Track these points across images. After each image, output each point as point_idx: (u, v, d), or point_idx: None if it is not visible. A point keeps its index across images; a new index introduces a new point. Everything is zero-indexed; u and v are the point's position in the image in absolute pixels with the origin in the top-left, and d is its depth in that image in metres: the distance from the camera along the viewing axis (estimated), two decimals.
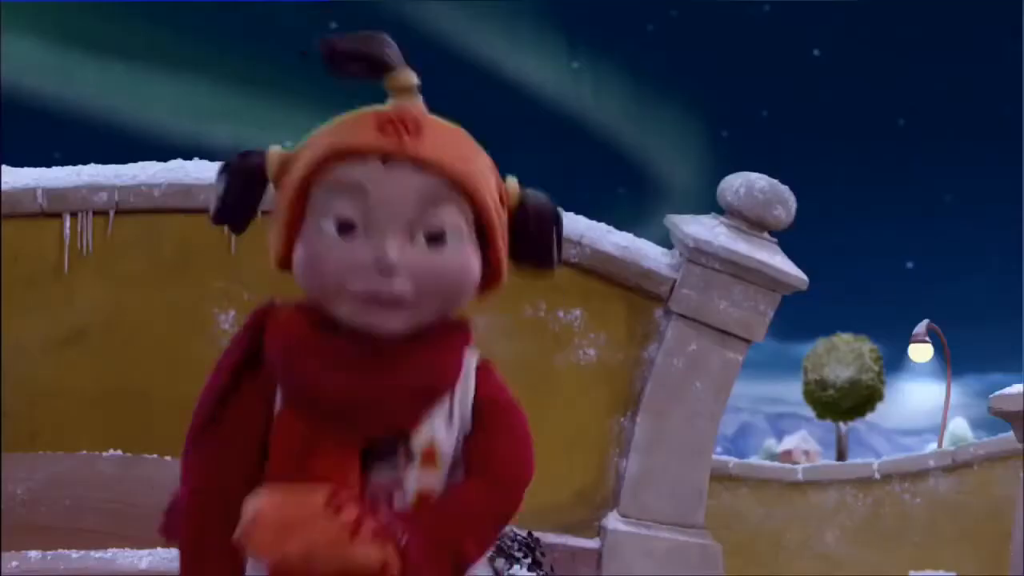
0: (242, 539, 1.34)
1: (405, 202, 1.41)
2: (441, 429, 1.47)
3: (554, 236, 1.56)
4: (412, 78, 1.49)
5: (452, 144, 1.47)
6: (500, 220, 1.51)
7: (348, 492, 1.38)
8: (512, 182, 1.56)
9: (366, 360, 1.43)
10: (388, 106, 1.48)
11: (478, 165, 1.49)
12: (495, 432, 1.51)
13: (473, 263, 1.47)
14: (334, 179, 1.42)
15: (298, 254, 1.45)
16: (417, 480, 1.45)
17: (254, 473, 1.46)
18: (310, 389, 1.43)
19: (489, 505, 1.48)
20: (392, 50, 1.49)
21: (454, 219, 1.44)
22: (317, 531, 1.33)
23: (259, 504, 1.35)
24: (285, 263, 1.50)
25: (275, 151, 1.51)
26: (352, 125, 1.46)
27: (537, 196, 1.58)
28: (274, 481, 1.44)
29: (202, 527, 1.49)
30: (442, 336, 1.48)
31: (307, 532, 1.33)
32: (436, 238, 1.43)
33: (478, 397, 1.51)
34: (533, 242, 1.55)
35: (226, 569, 1.47)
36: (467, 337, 1.53)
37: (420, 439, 1.46)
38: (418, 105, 1.49)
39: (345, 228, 1.41)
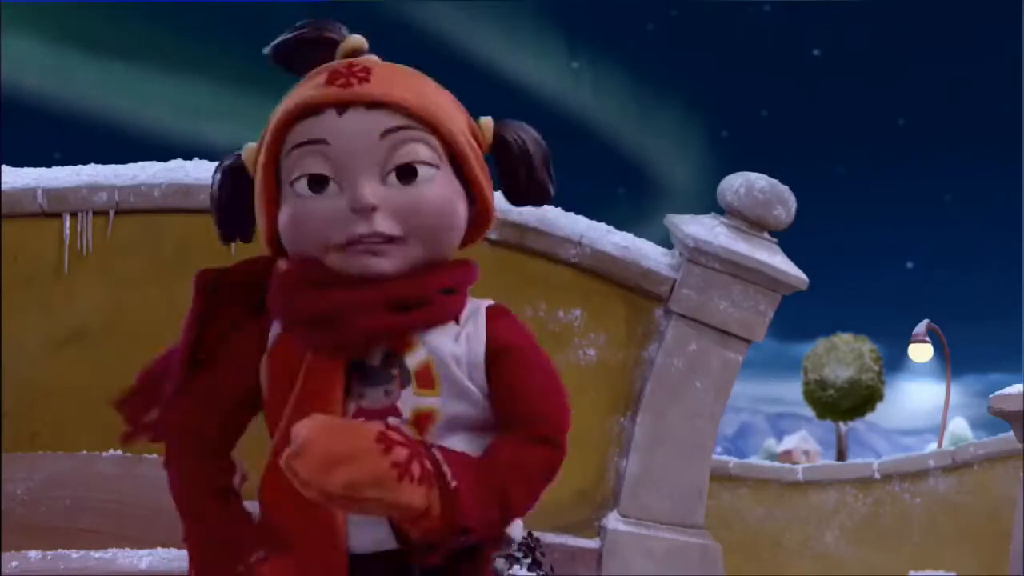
0: (286, 466, 1.31)
1: (367, 144, 1.41)
2: (439, 352, 1.45)
3: (541, 162, 1.54)
4: (359, 41, 1.50)
5: (404, 82, 1.47)
6: (474, 152, 1.49)
7: (399, 431, 1.36)
8: (486, 120, 1.54)
9: (352, 280, 1.42)
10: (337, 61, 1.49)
11: (435, 98, 1.48)
12: (524, 385, 1.48)
13: (451, 193, 1.45)
14: (296, 139, 1.43)
15: (281, 223, 1.45)
16: (413, 402, 1.43)
17: (236, 417, 1.52)
18: (295, 305, 1.44)
19: (535, 458, 1.46)
20: (335, 27, 1.50)
21: (421, 152, 1.42)
22: (365, 467, 1.30)
23: (308, 433, 1.31)
24: (275, 244, 1.50)
25: (250, 145, 1.52)
26: (304, 85, 1.47)
27: (515, 125, 1.55)
28: (271, 404, 1.46)
29: (190, 472, 1.52)
30: (433, 264, 1.47)
31: (354, 467, 1.29)
32: (407, 173, 1.42)
33: (493, 343, 1.48)
34: (522, 174, 1.53)
35: (222, 507, 1.49)
36: (466, 270, 1.51)
37: (413, 359, 1.44)
38: (368, 57, 1.50)
39: (318, 184, 1.41)
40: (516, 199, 1.56)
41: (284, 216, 1.44)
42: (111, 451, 4.51)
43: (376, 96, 1.42)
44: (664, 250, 5.37)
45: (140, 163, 5.06)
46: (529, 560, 4.44)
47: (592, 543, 5.06)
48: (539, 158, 1.54)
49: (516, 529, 1.52)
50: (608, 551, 5.04)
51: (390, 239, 1.41)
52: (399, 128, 1.42)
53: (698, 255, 5.15)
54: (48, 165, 5.05)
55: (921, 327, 16.16)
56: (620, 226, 5.34)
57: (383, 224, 1.40)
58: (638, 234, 5.39)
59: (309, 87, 1.45)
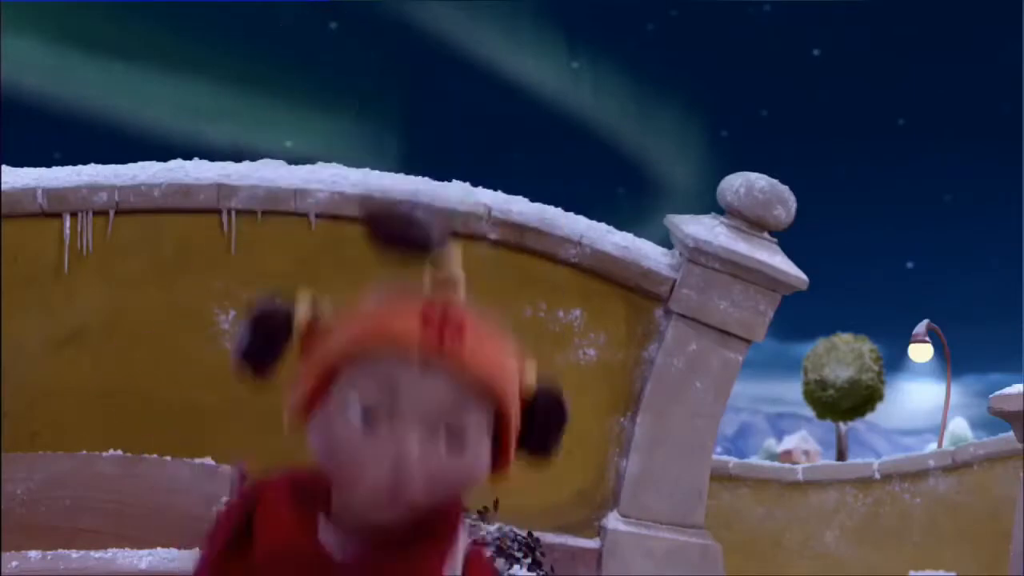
0: None
1: (436, 404, 1.40)
2: None
3: (557, 434, 1.54)
4: (456, 266, 1.47)
5: (489, 348, 1.45)
6: (516, 421, 1.49)
7: None
8: (531, 375, 1.53)
9: (354, 572, 1.41)
10: (431, 298, 1.45)
11: (510, 370, 1.48)
12: None
13: (486, 463, 1.45)
14: (369, 367, 1.40)
15: (317, 429, 1.43)
16: None
17: None
18: None
19: None
20: (436, 230, 1.45)
21: (478, 420, 1.42)
22: None
23: None
24: (300, 423, 1.49)
25: (304, 310, 1.48)
26: (394, 314, 1.43)
27: (550, 391, 1.55)
28: None
29: None
30: (433, 536, 1.46)
31: None
32: (456, 439, 1.41)
33: None
34: (536, 435, 1.53)
35: None
36: (456, 534, 1.51)
37: None
38: (460, 297, 1.47)
39: (368, 415, 1.39)
40: (518, 446, 1.57)
41: (323, 430, 1.42)
42: (111, 451, 4.51)
43: (464, 365, 1.40)
44: (664, 250, 5.37)
45: (140, 163, 5.06)
46: (529, 560, 4.44)
47: (592, 543, 5.06)
48: (560, 431, 1.56)
49: None
50: (608, 551, 5.04)
51: (417, 500, 1.41)
52: (471, 396, 1.41)
53: (698, 255, 5.15)
54: (48, 165, 5.05)
55: (921, 327, 16.16)
56: (620, 226, 5.35)
57: (417, 486, 1.39)
58: (638, 234, 5.39)
59: (398, 319, 1.41)
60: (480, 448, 1.43)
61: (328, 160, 5.37)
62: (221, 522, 1.49)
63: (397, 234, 1.44)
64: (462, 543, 1.52)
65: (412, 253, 1.45)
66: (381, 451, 1.39)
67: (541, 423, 1.53)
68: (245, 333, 1.48)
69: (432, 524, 1.46)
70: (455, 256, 1.46)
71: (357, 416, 1.39)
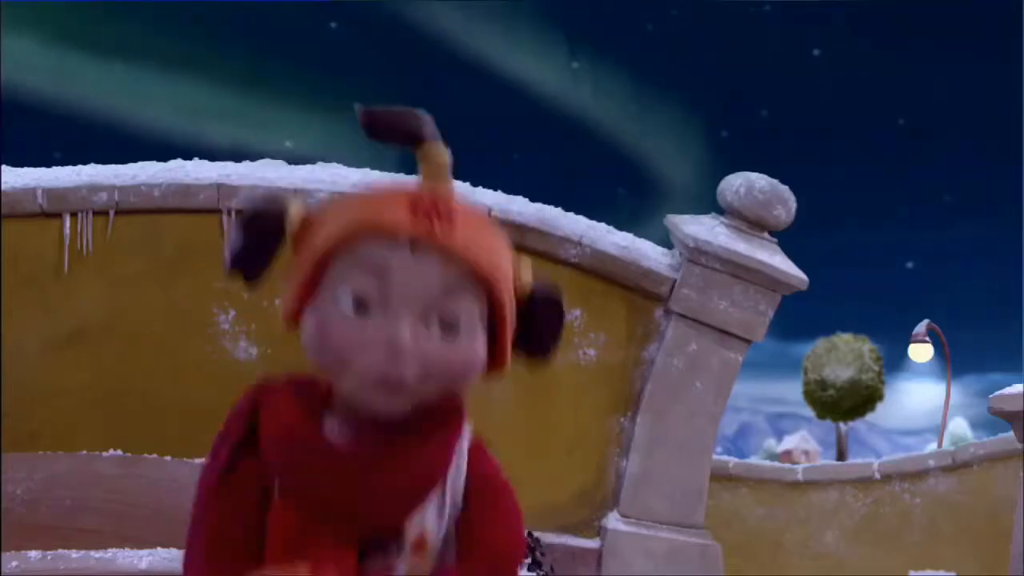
0: None
1: (427, 289, 1.39)
2: (431, 518, 1.47)
3: (556, 334, 1.55)
4: (445, 156, 1.47)
5: (480, 235, 1.45)
6: (511, 313, 1.49)
7: None
8: (527, 273, 1.54)
9: (361, 459, 1.42)
10: (421, 186, 1.46)
11: (502, 258, 1.48)
12: (487, 512, 1.50)
13: (482, 354, 1.45)
14: (359, 255, 1.40)
15: (310, 322, 1.43)
16: (407, 567, 1.45)
17: (253, 553, 1.47)
18: (305, 490, 1.43)
19: None
20: (426, 124, 1.47)
21: (471, 308, 1.42)
22: None
23: None
24: (294, 323, 1.48)
25: (297, 209, 1.47)
26: (383, 202, 1.43)
27: (547, 289, 1.55)
28: (270, 557, 1.45)
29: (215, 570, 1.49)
30: (438, 425, 1.46)
31: None
32: (450, 326, 1.41)
33: (470, 476, 1.50)
34: (534, 334, 1.54)
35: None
36: (461, 424, 1.51)
37: (411, 530, 1.46)
38: (449, 186, 1.47)
39: (361, 304, 1.39)
40: (515, 346, 1.57)
41: (317, 321, 1.42)
42: (111, 451, 4.51)
43: (453, 246, 1.40)
44: (664, 250, 5.37)
45: (140, 163, 5.06)
46: (529, 560, 4.44)
47: (592, 543, 5.06)
48: (557, 332, 1.56)
49: None
50: (608, 551, 5.05)
51: (412, 384, 1.41)
52: (462, 282, 1.41)
53: (698, 255, 5.15)
54: (48, 165, 5.05)
55: (921, 327, 16.16)
56: (620, 226, 5.35)
57: (411, 370, 1.39)
58: (638, 234, 5.39)
59: (388, 207, 1.42)
60: (474, 337, 1.43)
61: (328, 160, 5.37)
62: (230, 426, 1.50)
63: (392, 120, 1.46)
64: (466, 437, 1.52)
65: (405, 139, 1.47)
66: (374, 336, 1.38)
67: (539, 321, 1.53)
68: (238, 234, 1.48)
69: (436, 416, 1.46)
70: (445, 150, 1.47)
71: (349, 305, 1.38)
